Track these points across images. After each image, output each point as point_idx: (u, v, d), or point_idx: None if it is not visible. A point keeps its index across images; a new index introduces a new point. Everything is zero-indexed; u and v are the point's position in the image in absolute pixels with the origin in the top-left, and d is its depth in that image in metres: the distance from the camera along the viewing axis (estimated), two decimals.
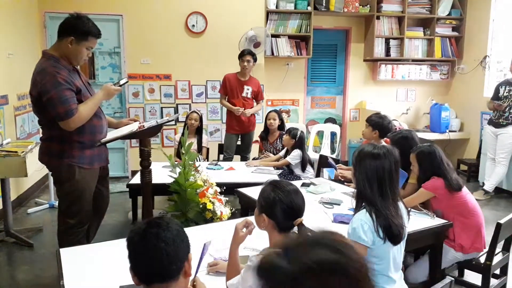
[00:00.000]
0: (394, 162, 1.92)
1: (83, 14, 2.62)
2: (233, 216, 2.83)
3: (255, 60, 4.80)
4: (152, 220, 1.33)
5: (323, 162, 4.23)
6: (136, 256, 1.28)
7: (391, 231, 1.83)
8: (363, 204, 1.92)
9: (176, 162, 2.94)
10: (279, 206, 1.58)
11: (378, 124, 3.53)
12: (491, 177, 5.12)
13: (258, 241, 1.83)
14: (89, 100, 2.62)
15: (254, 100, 4.94)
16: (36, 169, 3.65)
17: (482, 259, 2.58)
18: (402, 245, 1.96)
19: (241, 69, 4.79)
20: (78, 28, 2.55)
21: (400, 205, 1.96)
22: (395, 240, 1.86)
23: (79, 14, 2.60)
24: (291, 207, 1.58)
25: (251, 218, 1.74)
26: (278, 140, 4.63)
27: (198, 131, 4.66)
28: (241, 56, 4.76)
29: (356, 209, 1.96)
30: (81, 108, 2.54)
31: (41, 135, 2.79)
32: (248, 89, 4.81)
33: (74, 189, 2.64)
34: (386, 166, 1.89)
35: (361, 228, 1.83)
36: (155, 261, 1.25)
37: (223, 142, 5.08)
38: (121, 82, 2.85)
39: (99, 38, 2.69)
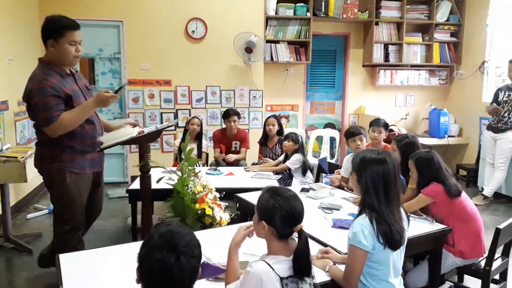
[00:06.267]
0: (396, 166, 1.94)
1: (53, 14, 2.58)
2: (232, 221, 2.83)
3: (239, 117, 4.88)
4: (174, 246, 1.22)
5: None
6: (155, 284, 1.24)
7: (392, 236, 1.83)
8: (365, 209, 1.91)
9: (175, 168, 2.95)
10: (279, 213, 1.56)
11: (387, 126, 3.72)
12: (490, 182, 5.12)
13: (258, 246, 1.83)
14: (78, 108, 2.57)
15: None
16: (35, 175, 3.62)
17: (482, 265, 2.58)
18: (402, 250, 1.96)
19: (228, 129, 4.81)
20: (50, 29, 2.53)
21: (401, 210, 1.96)
22: (395, 245, 1.86)
23: (48, 16, 2.58)
24: (292, 213, 1.57)
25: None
26: (277, 145, 4.64)
27: (198, 137, 4.68)
28: (227, 116, 4.75)
29: (359, 215, 1.95)
30: (65, 116, 2.50)
31: None
32: (236, 144, 4.90)
33: (65, 194, 2.64)
34: (391, 170, 1.89)
35: (361, 232, 1.83)
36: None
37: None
38: (119, 86, 2.85)
39: (78, 29, 2.58)
